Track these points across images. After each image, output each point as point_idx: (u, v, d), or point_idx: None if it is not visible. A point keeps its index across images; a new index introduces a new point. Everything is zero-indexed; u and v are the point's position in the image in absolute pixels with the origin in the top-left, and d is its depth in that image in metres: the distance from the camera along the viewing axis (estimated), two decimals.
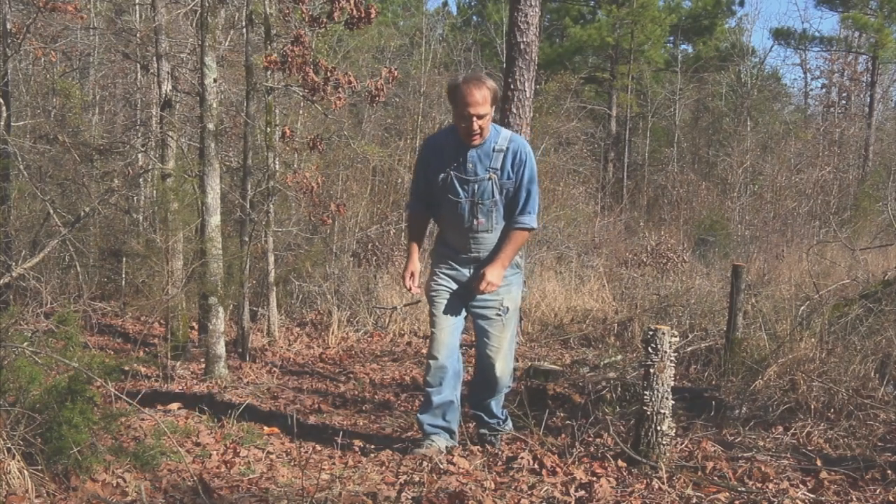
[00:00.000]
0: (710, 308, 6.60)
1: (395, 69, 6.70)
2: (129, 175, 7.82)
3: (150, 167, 7.66)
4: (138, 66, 8.70)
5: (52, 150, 8.14)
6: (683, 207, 15.94)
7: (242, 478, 3.13)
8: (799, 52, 23.24)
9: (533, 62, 5.64)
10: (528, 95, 5.65)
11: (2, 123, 5.68)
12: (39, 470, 2.74)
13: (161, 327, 7.13)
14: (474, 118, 3.20)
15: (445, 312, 3.44)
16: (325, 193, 8.73)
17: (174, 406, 4.34)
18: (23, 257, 6.71)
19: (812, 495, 2.72)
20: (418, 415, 3.52)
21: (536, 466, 3.04)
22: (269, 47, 6.68)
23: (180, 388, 5.13)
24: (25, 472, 2.66)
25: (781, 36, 22.41)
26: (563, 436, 3.58)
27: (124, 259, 8.50)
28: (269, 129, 6.85)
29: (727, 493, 2.72)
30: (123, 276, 8.74)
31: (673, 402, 3.07)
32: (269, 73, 6.69)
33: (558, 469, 3.00)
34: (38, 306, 5.38)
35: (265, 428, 4.02)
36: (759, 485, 2.82)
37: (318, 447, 3.72)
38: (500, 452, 3.34)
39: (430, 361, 3.42)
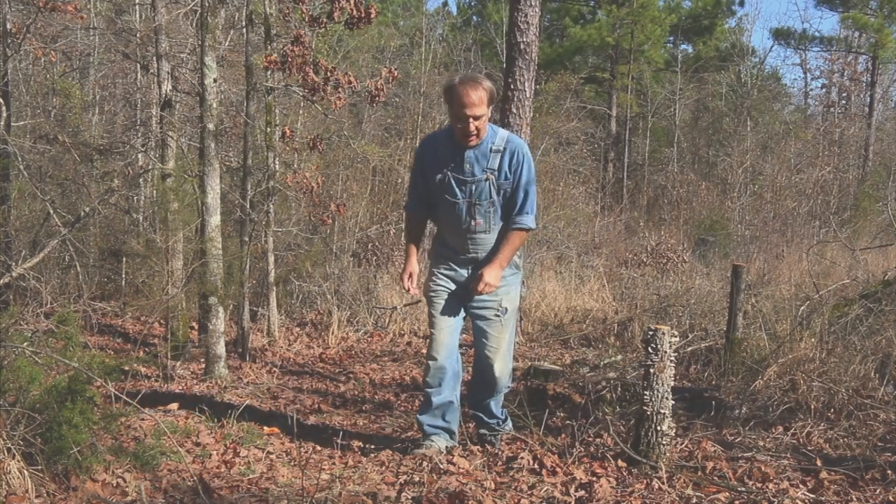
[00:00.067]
0: (710, 308, 6.60)
1: (395, 69, 6.69)
2: (129, 175, 7.82)
3: (150, 167, 7.66)
4: (138, 66, 8.70)
5: (52, 150, 8.14)
6: (683, 207, 15.94)
7: (242, 478, 3.13)
8: (799, 52, 23.27)
9: (533, 62, 5.64)
10: (528, 95, 5.65)
11: (2, 123, 5.69)
12: (39, 470, 2.74)
13: (161, 327, 7.13)
14: (470, 119, 3.20)
15: (444, 313, 3.44)
16: (325, 193, 8.73)
17: (174, 406, 4.34)
18: (23, 257, 6.71)
19: (812, 495, 2.72)
20: (418, 415, 3.52)
21: (536, 466, 3.05)
22: (269, 47, 6.68)
23: (180, 388, 5.13)
24: (25, 472, 2.66)
25: (781, 36, 22.42)
26: (563, 436, 3.58)
27: (124, 259, 8.50)
28: (269, 129, 6.85)
29: (727, 493, 2.72)
30: (123, 276, 8.74)
31: (673, 402, 3.07)
32: (269, 73, 6.69)
33: (558, 469, 3.00)
34: (38, 306, 5.38)
35: (265, 428, 4.02)
36: (759, 485, 2.82)
37: (318, 447, 3.72)
38: (500, 452, 3.34)
39: (430, 362, 3.42)
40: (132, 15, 8.39)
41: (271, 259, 7.19)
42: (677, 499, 2.71)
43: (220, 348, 5.42)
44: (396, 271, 8.45)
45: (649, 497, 2.72)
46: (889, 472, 2.87)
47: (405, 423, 4.35)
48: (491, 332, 3.45)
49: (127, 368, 4.80)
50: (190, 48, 7.58)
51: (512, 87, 5.64)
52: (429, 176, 3.41)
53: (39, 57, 8.95)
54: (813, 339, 4.17)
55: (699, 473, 2.93)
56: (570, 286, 8.81)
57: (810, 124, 21.04)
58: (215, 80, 5.37)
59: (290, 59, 5.97)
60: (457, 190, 3.35)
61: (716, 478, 2.89)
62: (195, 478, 2.92)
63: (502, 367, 3.48)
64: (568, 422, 3.86)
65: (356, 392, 5.30)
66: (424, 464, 3.16)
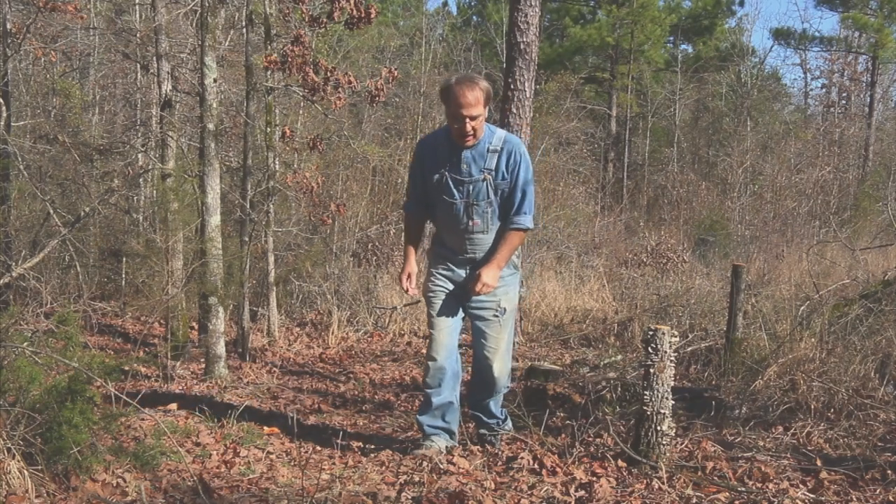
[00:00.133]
0: (710, 308, 6.60)
1: (395, 69, 6.69)
2: (129, 175, 7.82)
3: (150, 167, 7.66)
4: (138, 66, 8.70)
5: (52, 150, 8.14)
6: (683, 207, 15.94)
7: (242, 478, 3.13)
8: (799, 52, 23.27)
9: (533, 62, 5.64)
10: (528, 95, 5.65)
11: (2, 123, 5.69)
12: (39, 470, 2.74)
13: (161, 327, 7.13)
14: (467, 119, 3.19)
15: (443, 314, 3.44)
16: (325, 193, 8.73)
17: (174, 406, 4.34)
18: (23, 257, 6.71)
19: (812, 495, 2.72)
20: (418, 416, 3.52)
21: (536, 466, 3.04)
22: (269, 47, 6.68)
23: (180, 388, 5.13)
24: (25, 472, 2.66)
25: (781, 36, 22.42)
26: (563, 436, 3.58)
27: (124, 259, 8.50)
28: (269, 129, 6.85)
29: (727, 493, 2.72)
30: (123, 276, 8.74)
31: (673, 402, 3.07)
32: (269, 73, 6.69)
33: (558, 469, 3.00)
34: (38, 306, 5.38)
35: (265, 428, 4.02)
36: (759, 485, 2.82)
37: (318, 447, 3.72)
38: (500, 452, 3.34)
39: (429, 363, 3.42)
40: (132, 15, 8.39)
41: (271, 259, 7.19)
42: (677, 499, 2.71)
43: (220, 348, 5.42)
44: (396, 271, 8.44)
45: (649, 497, 2.72)
46: (889, 472, 2.87)
47: (405, 423, 4.35)
48: (490, 333, 3.45)
49: (127, 368, 4.80)
50: (190, 48, 7.58)
51: (512, 87, 5.64)
52: (426, 176, 3.41)
53: (39, 57, 8.95)
54: (813, 339, 4.17)
55: (699, 473, 2.93)
56: (570, 286, 8.81)
57: (810, 124, 21.05)
58: (215, 80, 5.37)
59: (290, 59, 5.97)
60: (454, 190, 3.34)
61: (716, 478, 2.89)
62: (195, 478, 2.92)
63: (501, 367, 3.48)
64: (568, 422, 3.86)
65: (356, 392, 5.30)
66: (424, 464, 3.16)
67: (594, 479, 2.88)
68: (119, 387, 4.19)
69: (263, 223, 7.00)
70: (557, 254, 10.13)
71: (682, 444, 3.25)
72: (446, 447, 3.40)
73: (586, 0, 21.70)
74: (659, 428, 3.00)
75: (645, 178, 19.51)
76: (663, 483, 2.81)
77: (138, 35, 7.65)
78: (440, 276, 3.48)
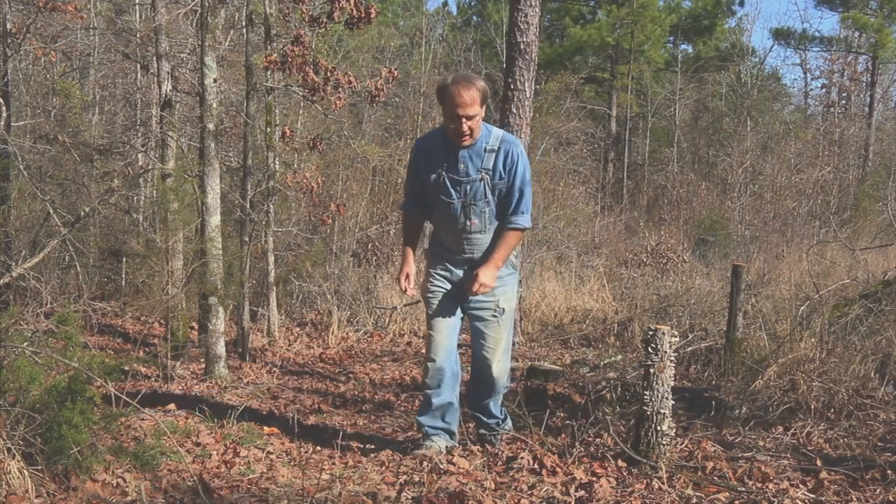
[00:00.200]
0: (710, 308, 6.60)
1: (395, 69, 6.69)
2: (129, 175, 7.82)
3: (150, 167, 7.66)
4: (138, 66, 8.70)
5: (52, 150, 8.14)
6: (683, 207, 15.94)
7: (242, 478, 3.13)
8: (799, 52, 23.28)
9: (533, 62, 5.64)
10: (528, 95, 5.64)
11: (2, 123, 5.68)
12: (39, 470, 2.74)
13: (161, 327, 7.13)
14: (463, 119, 3.18)
15: (442, 314, 3.44)
16: (325, 193, 8.73)
17: (173, 406, 4.34)
18: (23, 257, 6.71)
19: (812, 495, 2.72)
20: (418, 416, 3.52)
21: (536, 466, 3.04)
22: (269, 47, 6.68)
23: (180, 388, 5.13)
24: (25, 472, 2.66)
25: (781, 36, 22.43)
26: (563, 436, 3.58)
27: (124, 259, 8.50)
28: (269, 129, 6.85)
29: (727, 493, 2.72)
30: (123, 276, 8.74)
31: (673, 402, 3.07)
32: (269, 73, 6.69)
33: (558, 469, 3.00)
34: (38, 306, 5.38)
35: (265, 428, 4.02)
36: (759, 485, 2.82)
37: (318, 447, 3.72)
38: (499, 452, 3.34)
39: (429, 363, 3.42)
40: (132, 15, 8.39)
41: (271, 259, 7.19)
42: (677, 499, 2.71)
43: (220, 348, 5.42)
44: (396, 271, 8.44)
45: (649, 497, 2.72)
46: (889, 472, 2.87)
47: (405, 423, 4.35)
48: (489, 333, 3.45)
49: (127, 368, 4.80)
50: (190, 48, 7.58)
51: (512, 87, 5.64)
52: (423, 176, 3.40)
53: (39, 57, 8.95)
54: (813, 339, 4.17)
55: (699, 473, 2.93)
56: (570, 286, 8.81)
57: (810, 124, 21.05)
58: (215, 80, 5.37)
59: (290, 59, 5.97)
60: (451, 190, 3.34)
61: (716, 478, 2.89)
62: (195, 478, 2.92)
63: (500, 367, 3.47)
64: (568, 422, 3.86)
65: (356, 392, 5.30)
66: (424, 464, 3.16)
67: (594, 479, 2.88)
68: (119, 387, 4.19)
69: (263, 223, 7.00)
70: (557, 254, 10.13)
71: (682, 444, 3.25)
72: (446, 447, 3.40)
73: (586, 0, 21.71)
74: (659, 428, 3.00)
75: (645, 178, 19.51)
76: (663, 483, 2.81)
77: (138, 35, 7.65)
78: (438, 277, 3.47)
